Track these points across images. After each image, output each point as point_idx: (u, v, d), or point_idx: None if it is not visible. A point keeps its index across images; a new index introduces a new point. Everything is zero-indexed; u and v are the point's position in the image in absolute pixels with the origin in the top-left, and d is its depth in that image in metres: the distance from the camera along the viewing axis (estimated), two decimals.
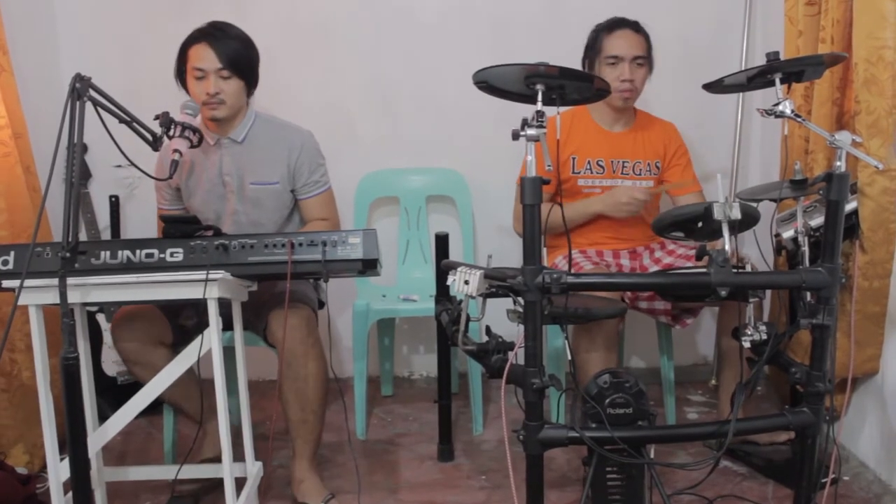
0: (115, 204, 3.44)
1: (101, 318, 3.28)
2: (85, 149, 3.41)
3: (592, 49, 2.89)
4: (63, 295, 1.84)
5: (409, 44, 3.46)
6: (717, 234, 1.96)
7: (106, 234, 3.43)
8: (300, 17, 3.43)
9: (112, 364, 3.25)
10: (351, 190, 3.38)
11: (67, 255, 1.88)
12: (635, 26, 2.86)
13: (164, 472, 2.51)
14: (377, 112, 3.51)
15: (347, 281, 3.26)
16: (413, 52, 3.46)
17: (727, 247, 1.90)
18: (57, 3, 3.41)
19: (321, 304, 2.78)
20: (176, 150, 2.31)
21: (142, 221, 3.48)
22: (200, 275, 2.02)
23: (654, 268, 2.83)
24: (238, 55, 2.53)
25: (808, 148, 2.72)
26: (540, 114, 1.87)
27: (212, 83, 2.50)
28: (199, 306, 2.08)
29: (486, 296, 2.07)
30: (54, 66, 3.35)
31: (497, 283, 2.00)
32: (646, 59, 2.85)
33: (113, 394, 3.18)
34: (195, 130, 2.38)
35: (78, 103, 1.93)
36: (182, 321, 2.55)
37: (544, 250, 3.04)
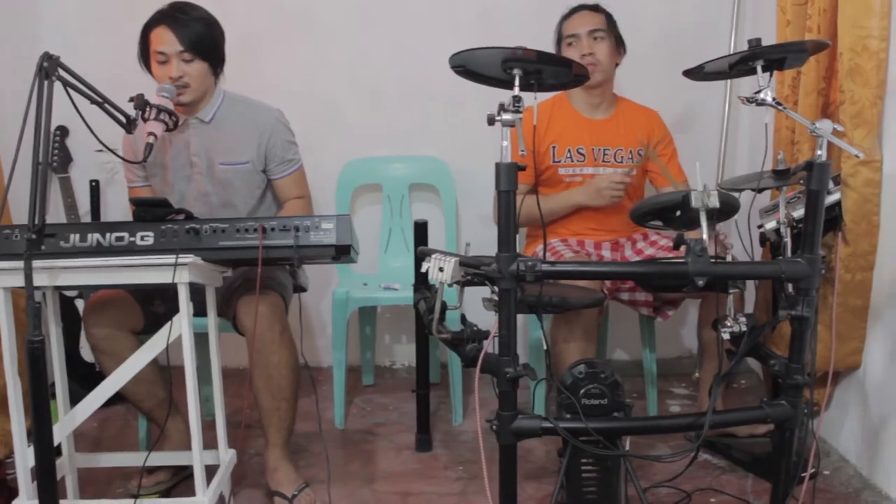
0: (95, 189, 3.40)
1: (80, 303, 3.24)
2: (66, 133, 3.38)
3: (557, 38, 2.91)
4: (28, 277, 1.80)
5: (394, 31, 3.43)
6: (696, 223, 1.93)
7: (87, 219, 3.40)
8: (284, 3, 3.40)
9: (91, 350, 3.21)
10: (334, 177, 3.36)
11: (33, 236, 1.84)
12: (594, 7, 2.87)
13: (136, 459, 2.47)
14: (361, 99, 3.48)
15: (328, 269, 3.24)
16: (398, 40, 3.43)
17: (705, 236, 1.87)
18: None
19: (301, 290, 2.74)
20: (151, 133, 2.28)
21: (122, 206, 3.44)
22: (170, 259, 1.98)
23: (636, 259, 2.80)
24: (200, 37, 2.47)
25: (794, 138, 2.69)
26: (517, 99, 1.84)
27: (174, 67, 2.45)
28: (170, 292, 2.04)
29: (463, 284, 2.04)
30: (37, 49, 3.30)
31: (472, 271, 1.97)
32: (606, 33, 2.83)
33: (91, 380, 3.11)
34: (171, 113, 2.35)
35: (46, 83, 1.89)
36: (154, 308, 2.51)
37: (521, 239, 3.06)
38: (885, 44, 2.31)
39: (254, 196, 2.65)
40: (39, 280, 1.95)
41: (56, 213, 3.34)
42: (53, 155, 3.32)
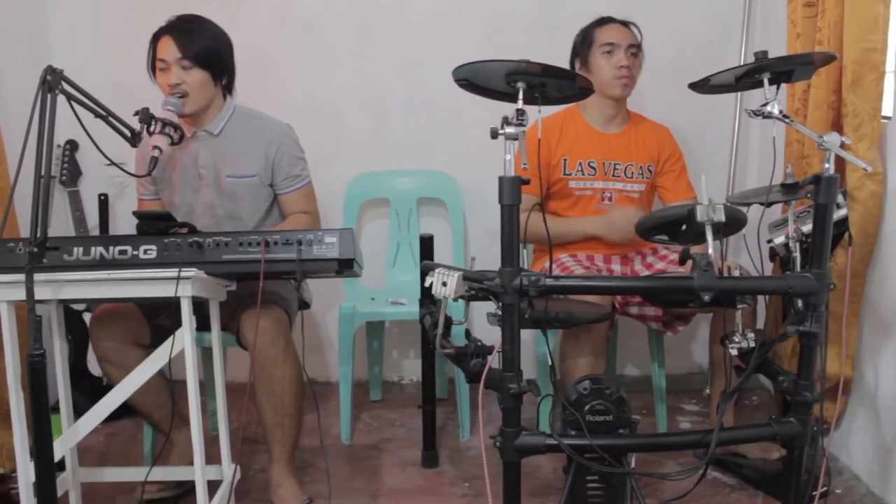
0: (104, 202, 3.41)
1: (87, 317, 3.24)
2: (76, 147, 3.38)
3: (583, 44, 2.85)
4: (29, 290, 1.80)
5: (400, 45, 3.42)
6: (703, 238, 1.90)
7: (96, 233, 3.40)
8: (291, 17, 3.41)
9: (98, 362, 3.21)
10: (340, 192, 3.35)
11: (35, 250, 1.84)
12: (626, 23, 2.85)
13: (139, 474, 2.45)
14: (368, 113, 3.47)
15: (336, 283, 3.22)
16: (404, 53, 3.43)
17: (710, 250, 1.85)
18: (49, 2, 3.40)
19: (305, 306, 2.73)
20: (156, 147, 2.30)
21: (131, 220, 3.40)
22: (172, 272, 1.97)
23: (645, 273, 2.78)
24: (201, 46, 2.48)
25: (803, 152, 2.67)
26: (520, 112, 1.83)
27: (173, 74, 2.46)
28: (176, 305, 2.04)
29: (468, 298, 2.03)
30: (46, 62, 3.32)
31: (476, 286, 1.95)
32: (639, 50, 2.82)
33: (98, 394, 3.11)
34: (176, 127, 2.37)
35: (49, 97, 1.90)
36: (161, 321, 2.50)
37: (525, 253, 3.04)
38: (885, 57, 2.31)
39: (260, 209, 2.65)
40: (42, 293, 1.95)
41: (66, 227, 3.35)
42: (63, 169, 3.33)
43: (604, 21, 2.85)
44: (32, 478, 2.01)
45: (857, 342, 2.58)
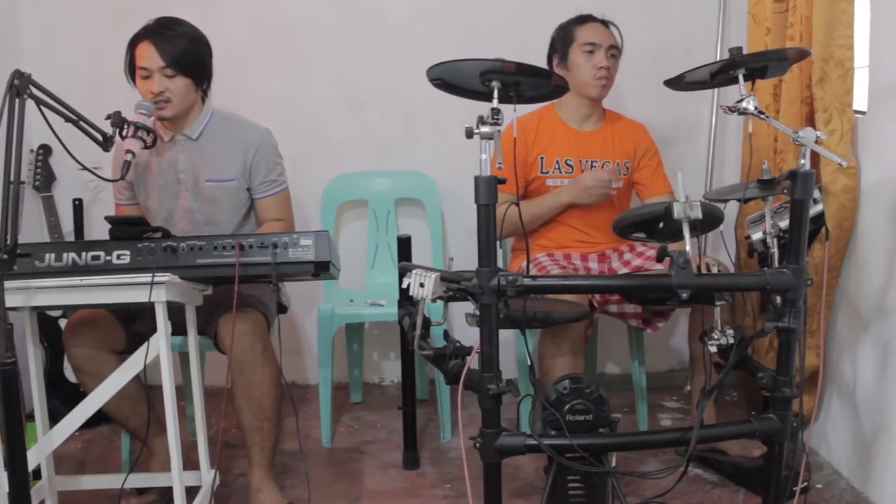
0: (78, 207, 3.37)
1: (63, 323, 3.21)
2: (49, 152, 3.34)
3: (563, 41, 2.83)
4: (0, 298, 1.78)
5: (378, 45, 3.40)
6: (680, 235, 1.90)
7: (70, 239, 3.36)
8: (267, 17, 3.38)
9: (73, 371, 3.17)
10: (318, 193, 3.33)
11: (5, 256, 1.81)
12: (606, 22, 2.85)
13: (117, 481, 2.42)
14: (345, 114, 3.45)
15: (315, 285, 3.20)
16: (382, 54, 3.41)
17: (688, 247, 1.85)
18: (21, 4, 3.35)
19: (283, 309, 2.71)
20: (129, 151, 2.26)
21: (107, 225, 3.41)
22: (146, 277, 1.95)
23: (623, 270, 2.77)
24: (183, 53, 2.46)
25: (776, 147, 2.68)
26: (495, 111, 1.82)
27: (156, 82, 2.44)
28: (151, 311, 2.01)
29: (446, 299, 2.01)
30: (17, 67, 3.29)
31: (453, 286, 1.94)
32: (618, 52, 2.82)
33: (76, 401, 3.07)
34: (149, 131, 2.33)
35: (18, 101, 1.87)
36: (137, 327, 2.47)
37: (501, 252, 3.03)
38: (851, 52, 2.33)
39: (238, 214, 2.63)
40: (13, 301, 1.92)
41: (40, 233, 3.31)
42: (36, 174, 3.29)
43: (585, 19, 2.83)
44: (6, 487, 1.99)
45: (832, 335, 2.60)
